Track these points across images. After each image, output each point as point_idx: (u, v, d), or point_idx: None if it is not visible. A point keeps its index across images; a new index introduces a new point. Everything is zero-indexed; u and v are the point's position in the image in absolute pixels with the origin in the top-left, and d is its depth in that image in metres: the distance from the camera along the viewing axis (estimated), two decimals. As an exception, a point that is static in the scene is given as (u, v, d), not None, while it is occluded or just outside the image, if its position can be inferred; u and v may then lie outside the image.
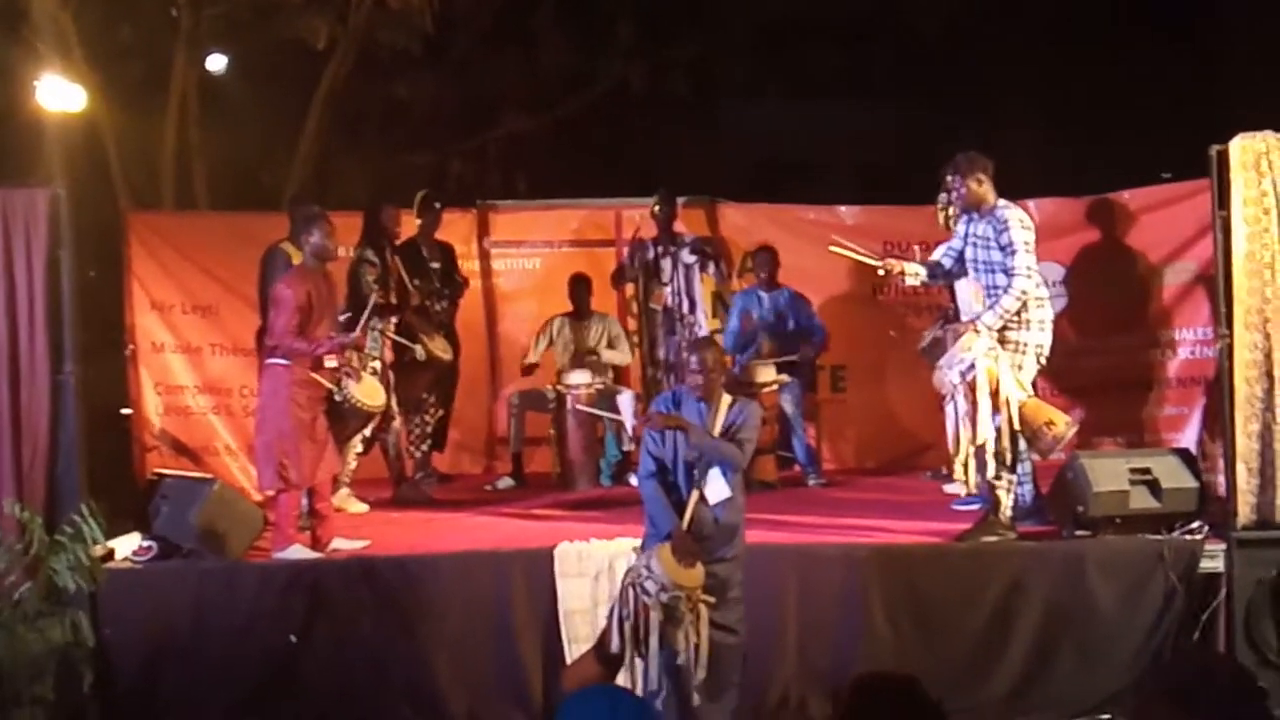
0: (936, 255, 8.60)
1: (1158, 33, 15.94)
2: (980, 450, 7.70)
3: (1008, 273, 7.85)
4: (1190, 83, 15.60)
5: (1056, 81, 16.40)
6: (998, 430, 7.67)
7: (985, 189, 8.05)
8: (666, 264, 10.65)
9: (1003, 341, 7.81)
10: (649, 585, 6.15)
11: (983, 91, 16.52)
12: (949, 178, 8.20)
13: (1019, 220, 7.92)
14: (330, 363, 8.22)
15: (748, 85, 17.29)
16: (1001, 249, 7.91)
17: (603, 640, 6.50)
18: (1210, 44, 16.32)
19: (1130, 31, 16.09)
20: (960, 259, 8.30)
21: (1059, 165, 14.16)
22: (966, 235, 8.17)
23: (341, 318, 8.79)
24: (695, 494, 6.48)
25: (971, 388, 7.65)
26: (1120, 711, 7.40)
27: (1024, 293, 7.82)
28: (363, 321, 8.46)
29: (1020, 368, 7.84)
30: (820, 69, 16.78)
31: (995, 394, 7.65)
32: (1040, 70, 16.46)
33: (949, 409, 7.86)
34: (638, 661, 6.25)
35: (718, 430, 6.55)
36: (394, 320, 9.81)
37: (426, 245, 10.40)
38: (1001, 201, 8.04)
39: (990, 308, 7.88)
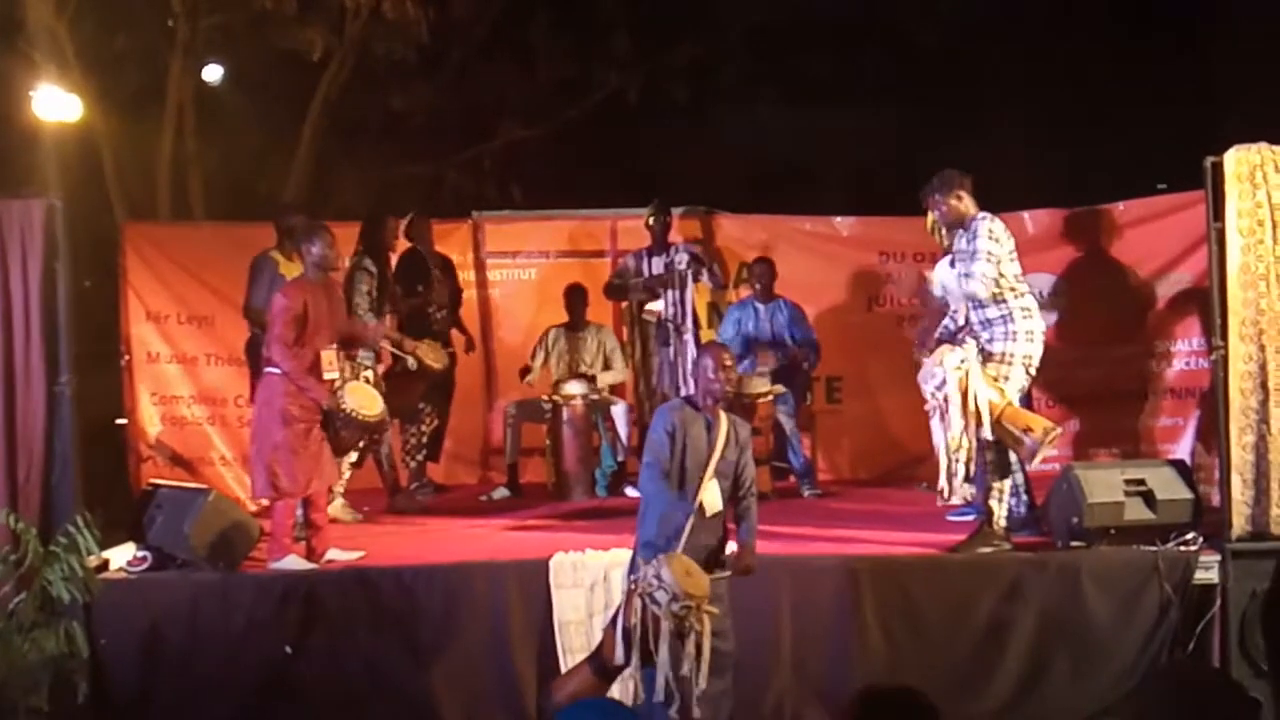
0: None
1: (1154, 43, 15.95)
2: (960, 459, 7.72)
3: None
4: (1186, 94, 15.61)
5: (1052, 91, 16.40)
6: (977, 441, 7.69)
7: (965, 204, 8.08)
8: (661, 275, 10.65)
9: (988, 355, 7.83)
10: (659, 596, 6.13)
11: (978, 99, 16.53)
12: (929, 199, 8.22)
13: (988, 230, 7.92)
14: (331, 374, 8.21)
15: (743, 91, 17.31)
16: (970, 255, 7.94)
17: (599, 651, 6.49)
18: (1206, 56, 16.34)
19: (1126, 42, 16.10)
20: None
21: (1054, 175, 14.20)
22: (958, 249, 8.18)
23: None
24: (697, 507, 6.51)
25: (946, 400, 7.68)
26: (1117, 723, 7.41)
27: (973, 294, 7.83)
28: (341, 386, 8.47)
29: (1006, 379, 7.84)
30: (816, 74, 16.80)
31: (965, 404, 7.67)
32: (1035, 79, 16.47)
33: (934, 422, 7.89)
34: (646, 672, 6.24)
35: (719, 448, 6.59)
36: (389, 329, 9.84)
37: (429, 255, 10.47)
38: (981, 214, 8.06)
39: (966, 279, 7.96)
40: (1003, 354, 7.89)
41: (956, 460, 7.74)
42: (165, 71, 13.68)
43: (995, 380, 7.78)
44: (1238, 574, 7.63)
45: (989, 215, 8.04)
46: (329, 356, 8.21)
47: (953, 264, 8.19)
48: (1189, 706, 3.21)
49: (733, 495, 6.73)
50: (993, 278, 7.86)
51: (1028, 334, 7.93)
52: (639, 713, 6.12)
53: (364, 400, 8.39)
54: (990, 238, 7.88)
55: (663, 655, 6.15)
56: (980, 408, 7.67)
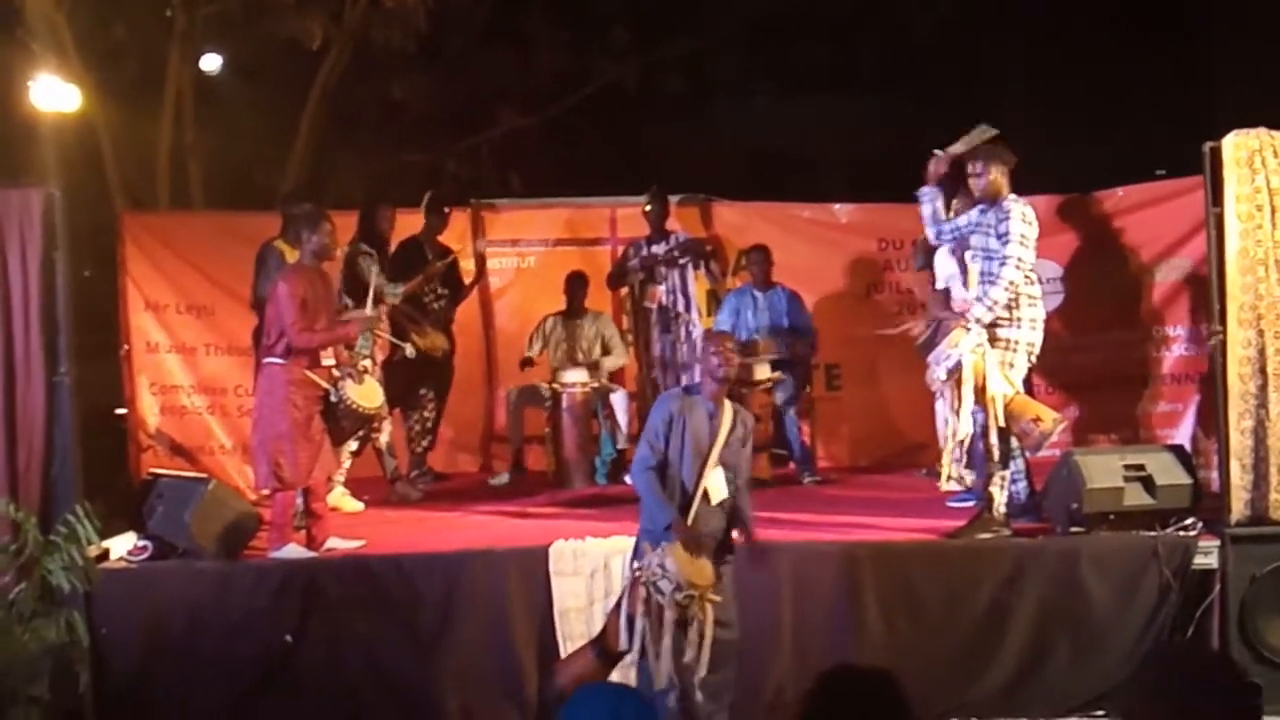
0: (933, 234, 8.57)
1: (1152, 30, 15.96)
2: (963, 445, 7.72)
3: (1001, 261, 7.86)
4: (1184, 79, 15.63)
5: (1049, 78, 16.41)
6: (984, 427, 7.70)
7: (1002, 180, 8.03)
8: (659, 255, 10.66)
9: (993, 339, 7.81)
10: (663, 585, 6.14)
11: (976, 87, 16.53)
12: (972, 164, 8.16)
13: (1021, 214, 7.89)
14: (327, 361, 8.23)
15: (740, 82, 17.31)
16: (999, 237, 7.90)
17: (603, 636, 6.51)
18: (1205, 41, 16.34)
19: (1124, 28, 16.10)
20: (960, 238, 8.29)
21: (1052, 162, 14.17)
22: (978, 222, 8.11)
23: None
24: (700, 492, 6.51)
25: (957, 383, 7.67)
26: (1114, 708, 7.40)
27: (1011, 283, 7.80)
28: (370, 302, 8.67)
29: (1011, 365, 7.83)
30: (812, 65, 16.79)
31: (981, 390, 7.66)
32: (1033, 67, 16.49)
33: (938, 405, 7.89)
34: (649, 660, 6.25)
35: (722, 436, 6.58)
36: (385, 319, 9.82)
37: (429, 244, 10.44)
38: (1013, 195, 8.03)
39: (979, 299, 7.89)
40: (1008, 340, 7.87)
41: (962, 446, 7.74)
42: (164, 61, 13.66)
43: (1000, 365, 7.77)
44: (1237, 559, 7.64)
45: (1020, 199, 8.01)
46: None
47: (972, 227, 8.13)
48: (1185, 689, 3.19)
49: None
50: (1030, 263, 7.86)
51: (1032, 321, 7.92)
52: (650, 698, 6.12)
53: (365, 392, 8.42)
54: (1024, 220, 7.85)
55: (665, 644, 6.16)
56: (995, 394, 7.67)
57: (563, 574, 7.70)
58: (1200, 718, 3.14)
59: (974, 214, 8.19)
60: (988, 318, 7.80)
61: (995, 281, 7.84)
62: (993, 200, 8.04)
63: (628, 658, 6.44)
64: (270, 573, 7.87)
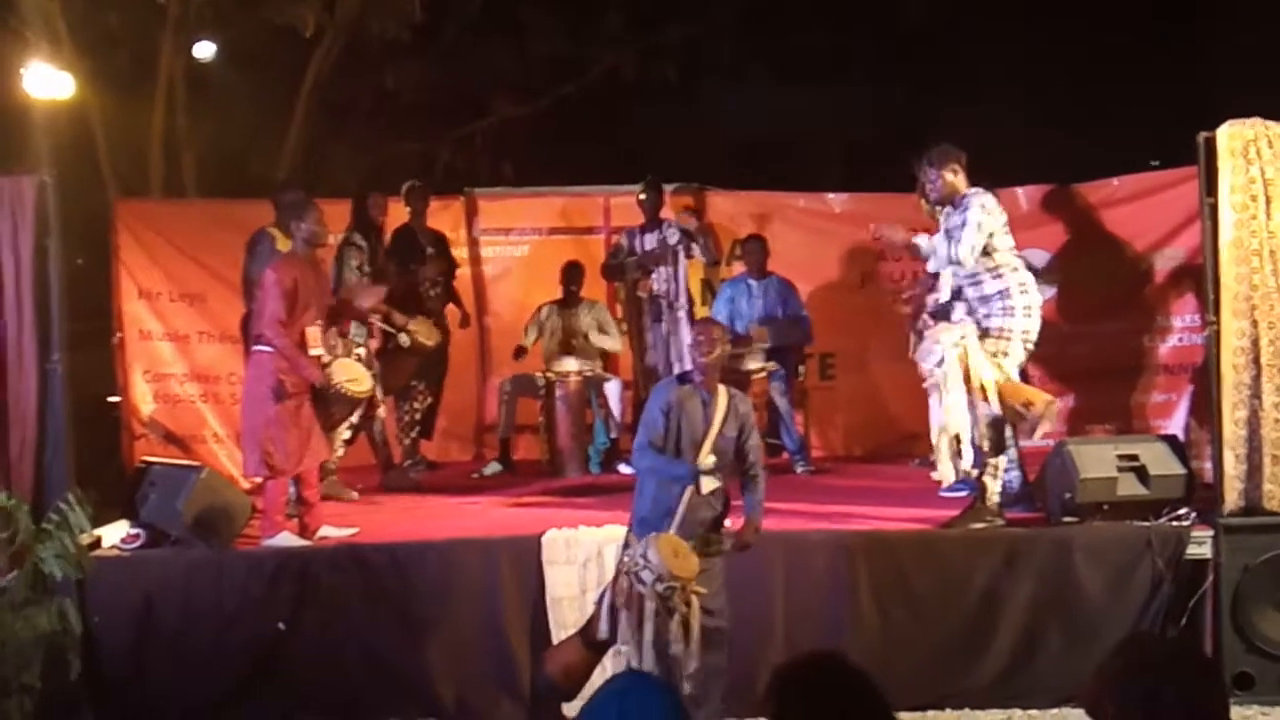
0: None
1: (1147, 19, 15.95)
2: (957, 439, 7.71)
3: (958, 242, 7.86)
4: (1180, 70, 15.61)
5: (1044, 68, 16.39)
6: (975, 417, 7.68)
7: (959, 180, 8.03)
8: (654, 251, 10.66)
9: (985, 332, 7.81)
10: (645, 575, 6.14)
11: (969, 76, 16.52)
12: (924, 170, 8.18)
13: (979, 204, 7.87)
14: (316, 350, 8.20)
15: (735, 69, 17.28)
16: (960, 227, 7.90)
17: (589, 626, 6.50)
18: (1200, 32, 16.34)
19: (1119, 18, 16.08)
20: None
21: (1046, 152, 14.18)
22: (947, 229, 8.12)
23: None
24: (690, 488, 6.50)
25: (946, 377, 7.67)
26: (1081, 698, 7.41)
27: (959, 260, 7.80)
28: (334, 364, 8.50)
29: (1006, 354, 7.81)
30: (807, 53, 16.77)
31: (968, 380, 7.65)
32: (1028, 56, 16.46)
33: (931, 399, 7.89)
34: (631, 650, 6.24)
35: (717, 424, 6.56)
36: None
37: (421, 232, 10.45)
38: (972, 189, 8.02)
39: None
40: (1001, 330, 7.86)
41: (959, 439, 7.72)
42: (157, 48, 13.63)
43: (994, 356, 7.76)
44: (1230, 549, 7.65)
45: (980, 190, 8.01)
46: (314, 334, 8.20)
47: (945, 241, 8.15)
48: (1151, 677, 3.19)
49: (737, 470, 6.72)
50: (980, 247, 7.83)
51: (1025, 309, 7.90)
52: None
53: (353, 375, 8.39)
54: (982, 210, 7.85)
55: (647, 634, 6.16)
56: (985, 384, 7.66)
57: (555, 563, 7.70)
58: (1166, 706, 3.14)
59: (943, 223, 8.18)
60: (969, 258, 7.79)
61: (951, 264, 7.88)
62: (951, 201, 8.05)
63: (613, 646, 6.44)
64: (263, 561, 7.86)
